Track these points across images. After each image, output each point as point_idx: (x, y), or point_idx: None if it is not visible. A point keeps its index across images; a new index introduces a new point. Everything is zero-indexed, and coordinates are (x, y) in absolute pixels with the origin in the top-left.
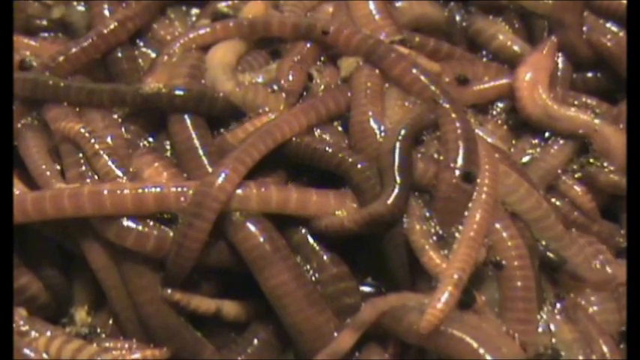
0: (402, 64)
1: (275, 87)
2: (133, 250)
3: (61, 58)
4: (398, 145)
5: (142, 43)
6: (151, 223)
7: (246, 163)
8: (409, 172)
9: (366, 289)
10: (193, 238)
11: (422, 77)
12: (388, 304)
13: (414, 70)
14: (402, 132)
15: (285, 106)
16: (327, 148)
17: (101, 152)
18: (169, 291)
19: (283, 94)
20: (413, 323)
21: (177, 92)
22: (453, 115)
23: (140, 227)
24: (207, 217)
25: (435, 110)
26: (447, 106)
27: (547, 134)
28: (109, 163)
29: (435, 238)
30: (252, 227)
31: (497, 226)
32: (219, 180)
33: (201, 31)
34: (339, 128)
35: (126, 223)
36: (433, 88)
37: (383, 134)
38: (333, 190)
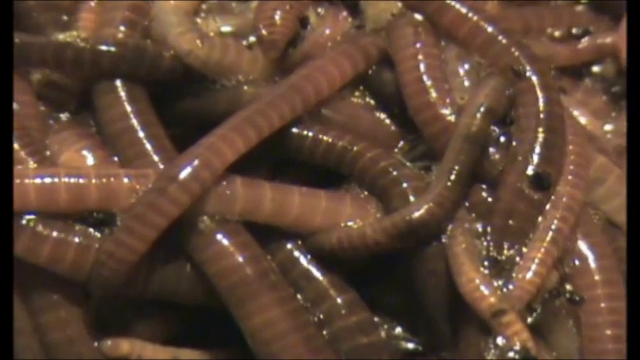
0: (471, 20)
1: (252, 38)
2: (47, 267)
3: None
4: (464, 134)
5: None
6: (77, 227)
7: (224, 156)
8: (471, 170)
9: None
10: (130, 247)
11: (501, 37)
12: None
13: (490, 29)
14: (478, 115)
15: (265, 66)
16: (339, 143)
17: None
18: (109, 342)
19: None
20: None
21: (104, 47)
22: (539, 94)
23: (56, 233)
24: (156, 223)
25: (515, 84)
26: (534, 79)
27: None
28: (15, 147)
29: (486, 262)
30: (225, 241)
31: (581, 246)
32: (183, 175)
33: None
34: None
35: (38, 228)
36: (516, 52)
37: (451, 116)
38: (330, 189)
